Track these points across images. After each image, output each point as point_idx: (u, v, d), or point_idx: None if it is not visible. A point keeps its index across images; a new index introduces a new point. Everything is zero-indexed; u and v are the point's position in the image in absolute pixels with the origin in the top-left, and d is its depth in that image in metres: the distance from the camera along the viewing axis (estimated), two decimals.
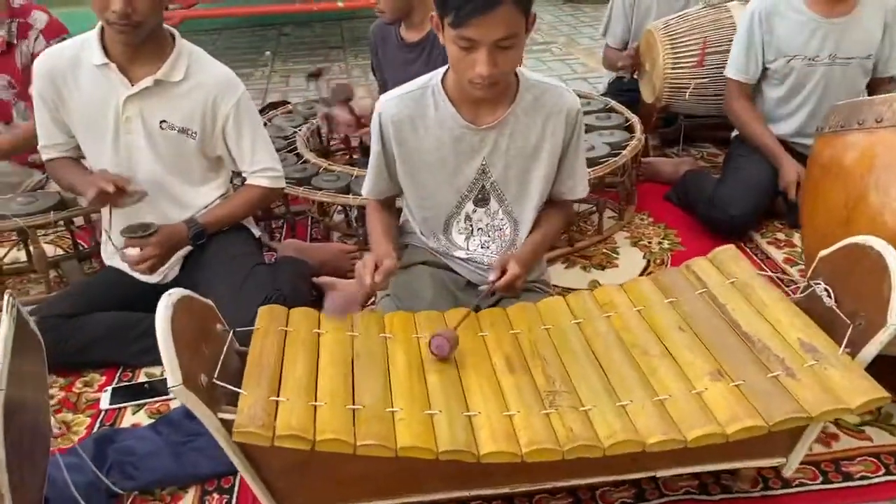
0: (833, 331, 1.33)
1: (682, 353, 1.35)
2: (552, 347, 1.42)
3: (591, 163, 2.31)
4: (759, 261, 2.25)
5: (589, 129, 2.59)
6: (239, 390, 1.19)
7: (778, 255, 2.28)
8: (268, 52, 5.02)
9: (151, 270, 1.81)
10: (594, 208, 2.45)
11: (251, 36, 5.64)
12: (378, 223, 1.71)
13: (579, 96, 2.90)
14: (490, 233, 1.70)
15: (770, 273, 1.50)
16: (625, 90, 3.07)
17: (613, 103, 2.78)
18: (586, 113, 2.69)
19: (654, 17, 2.92)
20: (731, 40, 2.55)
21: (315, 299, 2.11)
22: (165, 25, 1.83)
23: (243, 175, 1.98)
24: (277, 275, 1.92)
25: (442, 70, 1.59)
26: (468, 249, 1.71)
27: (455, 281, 1.75)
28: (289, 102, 3.23)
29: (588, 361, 1.37)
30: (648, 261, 2.28)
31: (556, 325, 1.48)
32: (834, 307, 1.35)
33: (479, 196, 1.65)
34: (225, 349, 1.28)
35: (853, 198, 1.52)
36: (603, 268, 2.25)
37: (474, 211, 1.67)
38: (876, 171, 1.48)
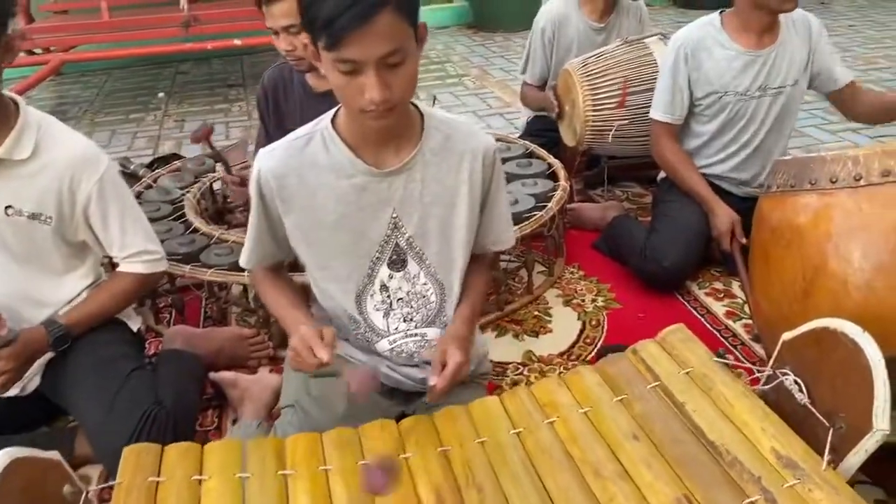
0: (808, 433, 1.15)
1: (640, 471, 1.14)
2: (489, 470, 1.19)
3: (517, 219, 2.10)
4: (698, 316, 2.10)
5: (510, 178, 2.40)
6: None
7: (718, 308, 2.13)
8: (161, 94, 4.66)
9: (4, 387, 1.49)
10: (522, 265, 2.25)
11: (144, 75, 5.26)
12: (279, 293, 1.44)
13: (497, 139, 2.77)
14: (412, 302, 1.44)
15: (728, 361, 1.31)
16: (545, 130, 2.90)
17: (533, 147, 2.60)
18: (506, 160, 2.50)
19: (575, 53, 2.77)
20: (653, 78, 2.43)
21: (212, 398, 1.82)
22: (6, 93, 1.52)
23: (115, 261, 1.68)
24: (159, 380, 1.62)
25: (331, 112, 1.36)
26: (388, 331, 1.46)
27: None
28: (180, 156, 2.93)
29: (533, 489, 1.14)
30: (584, 322, 2.09)
31: (492, 437, 1.25)
32: (808, 405, 1.18)
33: (394, 257, 1.39)
34: None
35: (811, 268, 1.36)
36: (536, 334, 2.05)
37: (391, 277, 1.41)
38: (834, 238, 1.33)
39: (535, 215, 2.13)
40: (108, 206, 1.60)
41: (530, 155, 2.58)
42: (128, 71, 5.36)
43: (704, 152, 2.31)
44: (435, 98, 3.18)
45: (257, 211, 1.40)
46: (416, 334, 1.47)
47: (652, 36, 2.56)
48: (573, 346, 1.99)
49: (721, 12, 2.22)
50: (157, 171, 2.62)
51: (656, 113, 2.28)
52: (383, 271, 1.41)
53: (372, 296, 1.43)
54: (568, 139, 2.67)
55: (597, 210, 2.60)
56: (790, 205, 1.42)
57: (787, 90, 2.19)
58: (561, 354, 1.96)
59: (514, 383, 1.85)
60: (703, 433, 1.18)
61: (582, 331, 2.06)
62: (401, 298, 1.44)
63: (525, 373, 1.89)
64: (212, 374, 1.81)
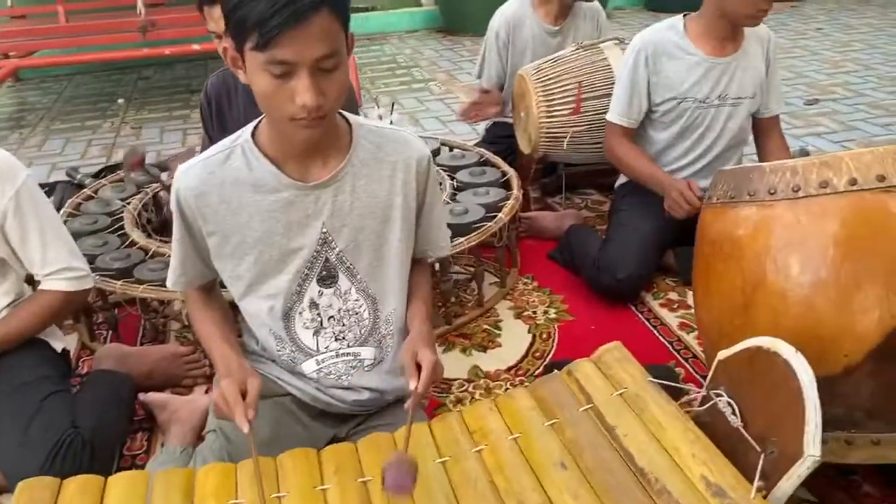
0: (740, 457, 1.10)
1: (566, 501, 1.08)
2: (409, 502, 1.12)
3: (465, 229, 2.06)
4: (651, 328, 2.05)
5: (462, 187, 2.35)
6: None
7: (672, 319, 2.08)
8: (121, 100, 4.56)
9: None
10: (471, 277, 2.20)
11: (106, 81, 5.15)
12: (209, 322, 1.38)
13: (453, 147, 2.72)
14: (344, 320, 1.38)
15: (664, 381, 1.26)
16: (503, 136, 2.85)
17: (489, 155, 2.54)
18: (459, 168, 2.45)
19: (530, 57, 2.72)
20: (607, 84, 2.38)
21: (143, 420, 1.75)
22: None
23: (36, 279, 1.60)
24: (79, 404, 1.55)
25: (251, 125, 1.29)
26: (318, 350, 1.39)
27: (305, 407, 1.44)
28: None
29: None
30: (534, 336, 2.03)
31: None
32: (740, 428, 1.13)
33: (324, 273, 1.33)
34: None
35: (750, 282, 1.31)
36: (485, 349, 1.99)
37: (321, 294, 1.35)
38: (773, 252, 1.28)
39: (484, 226, 2.07)
40: (27, 222, 1.52)
41: (485, 163, 2.52)
42: (90, 76, 5.25)
43: (661, 160, 2.26)
44: (394, 104, 3.12)
45: (180, 232, 1.34)
46: (348, 354, 1.41)
47: (608, 41, 2.51)
48: (522, 360, 1.93)
49: (684, 16, 2.17)
50: (99, 181, 2.53)
51: (612, 115, 2.22)
52: (312, 288, 1.35)
53: (301, 314, 1.37)
54: (523, 146, 2.61)
55: (553, 219, 2.54)
56: (730, 217, 1.37)
57: (745, 101, 2.14)
58: (509, 369, 1.90)
59: (458, 400, 1.79)
60: (632, 459, 1.13)
61: (532, 344, 2.00)
62: (332, 316, 1.38)
63: (470, 389, 1.83)
64: (141, 396, 1.73)
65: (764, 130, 2.25)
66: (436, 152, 2.61)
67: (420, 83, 4.69)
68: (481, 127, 3.25)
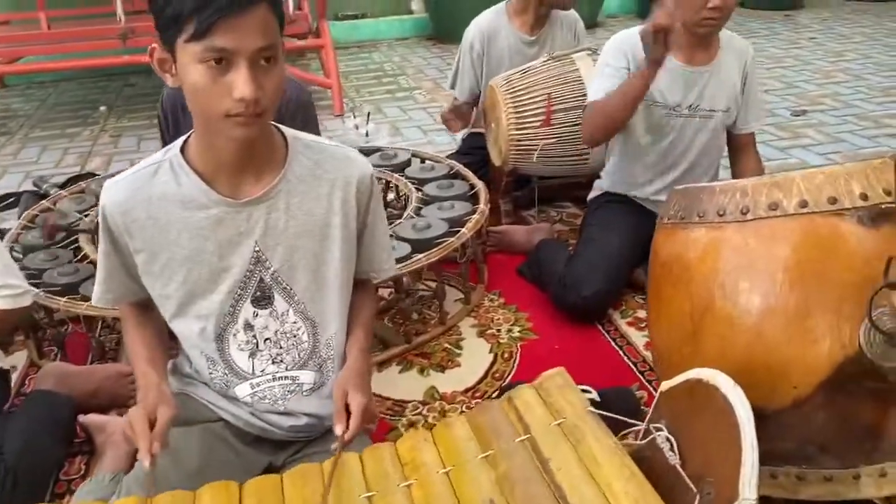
0: (677, 497, 1.04)
1: None
2: None
3: (426, 245, 2.00)
4: (616, 348, 1.98)
5: (428, 201, 2.29)
6: None
7: (639, 338, 2.02)
8: (103, 107, 4.51)
9: None
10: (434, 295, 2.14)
11: (91, 88, 5.11)
12: (140, 344, 1.32)
13: (423, 159, 2.67)
14: (282, 342, 1.32)
15: (605, 413, 1.20)
16: (478, 147, 2.79)
17: (459, 167, 2.48)
18: (427, 181, 2.39)
19: (507, 67, 2.66)
20: (579, 95, 2.33)
21: (83, 443, 1.69)
22: None
23: None
24: (8, 427, 1.49)
25: (181, 139, 1.25)
26: (253, 373, 1.33)
27: (238, 433, 1.37)
28: (94, 175, 2.78)
29: None
30: (495, 355, 1.97)
31: (340, 503, 1.13)
32: (677, 466, 1.06)
33: (259, 294, 1.28)
34: None
35: (699, 308, 1.24)
36: (443, 369, 1.93)
37: (256, 315, 1.29)
38: (721, 276, 1.22)
39: (445, 241, 2.01)
40: None
41: (454, 175, 2.46)
42: (75, 83, 5.22)
43: (632, 171, 2.20)
44: (370, 114, 3.06)
45: (107, 247, 1.28)
46: (285, 377, 1.35)
47: (580, 51, 2.45)
48: (480, 381, 1.87)
49: None
50: (60, 192, 2.48)
51: (592, 95, 2.06)
52: (247, 309, 1.30)
53: (235, 335, 1.31)
54: (494, 158, 2.56)
55: (523, 233, 2.48)
56: (680, 238, 1.31)
57: (717, 115, 2.08)
58: (466, 391, 1.83)
59: (411, 424, 1.73)
60: (563, 495, 1.06)
61: (492, 365, 1.93)
62: (268, 338, 1.33)
63: (424, 412, 1.76)
64: (81, 418, 1.67)
65: (739, 147, 2.20)
66: (406, 164, 2.56)
67: (405, 91, 4.64)
68: (459, 136, 3.19)
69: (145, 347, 1.32)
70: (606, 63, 2.07)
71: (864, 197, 1.15)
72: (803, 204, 1.16)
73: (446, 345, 2.02)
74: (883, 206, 1.14)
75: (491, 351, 1.99)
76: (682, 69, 2.03)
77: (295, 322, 1.32)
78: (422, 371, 1.92)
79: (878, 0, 6.59)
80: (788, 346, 1.16)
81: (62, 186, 2.79)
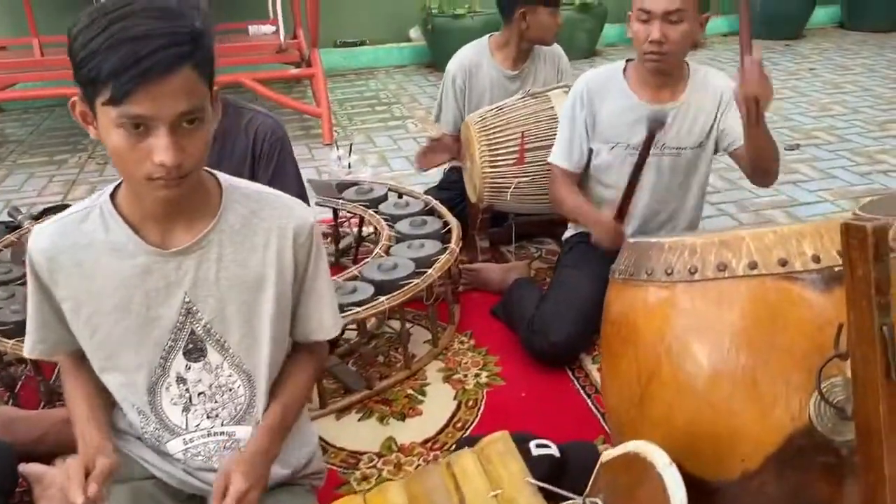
0: None
1: None
2: None
3: (390, 286, 1.94)
4: (585, 396, 1.91)
5: (400, 238, 2.24)
6: None
7: None
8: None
9: None
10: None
11: None
12: (80, 399, 1.27)
13: (400, 194, 2.62)
14: (217, 396, 1.26)
15: (543, 485, 1.13)
16: (457, 181, 2.75)
17: (434, 204, 2.43)
18: (401, 218, 2.34)
19: (489, 101, 2.63)
20: (553, 133, 2.27)
21: (24, 493, 1.63)
22: None
23: None
24: None
25: (111, 186, 1.20)
26: (186, 429, 1.27)
27: (171, 492, 1.31)
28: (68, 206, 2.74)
29: None
30: (460, 403, 1.91)
31: None
32: None
33: (191, 346, 1.23)
34: None
35: (646, 371, 1.18)
36: (404, 417, 1.86)
37: (188, 368, 1.24)
38: (668, 339, 1.16)
39: (410, 283, 1.96)
40: None
41: (430, 212, 2.41)
42: (68, 108, 5.21)
43: (601, 210, 2.14)
44: (351, 146, 3.03)
45: (37, 296, 1.23)
46: (221, 433, 1.30)
47: (556, 88, 2.42)
48: (441, 431, 1.81)
49: (628, 60, 2.07)
50: (25, 227, 2.44)
51: (554, 157, 2.13)
52: (179, 361, 1.24)
53: (168, 388, 1.26)
54: (470, 194, 2.51)
55: (499, 272, 2.42)
56: (629, 296, 1.25)
57: (686, 152, 2.03)
58: (425, 442, 1.77)
59: (365, 478, 1.66)
60: None
61: (455, 413, 1.87)
62: (202, 392, 1.27)
63: (379, 465, 1.70)
64: (22, 466, 1.61)
65: (742, 156, 2.11)
66: (382, 199, 2.51)
67: (398, 120, 4.61)
68: (442, 168, 3.15)
69: (85, 403, 1.27)
70: (565, 113, 2.09)
71: (817, 259, 1.10)
72: (753, 265, 1.11)
73: (409, 391, 1.95)
74: (836, 269, 1.08)
75: (455, 398, 1.93)
76: (646, 106, 1.99)
77: (230, 375, 1.27)
78: (382, 419, 1.85)
79: (879, 31, 6.55)
80: (736, 416, 1.09)
81: (37, 218, 2.76)
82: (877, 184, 3.25)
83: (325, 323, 1.34)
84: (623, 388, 1.23)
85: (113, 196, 1.20)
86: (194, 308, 1.21)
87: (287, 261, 1.24)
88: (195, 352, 1.24)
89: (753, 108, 1.62)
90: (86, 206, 1.21)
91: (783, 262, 1.09)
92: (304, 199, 1.95)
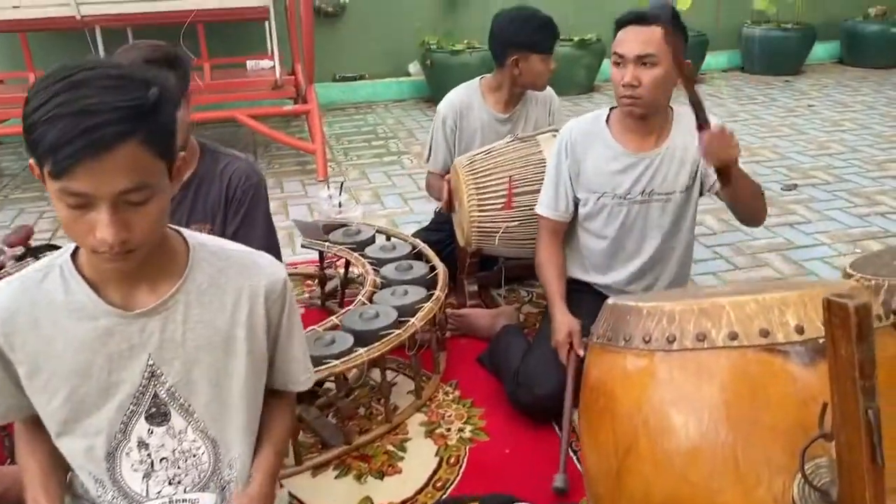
0: None
1: None
2: None
3: (370, 337, 1.89)
4: (571, 454, 1.84)
5: (385, 284, 2.19)
6: None
7: None
8: None
9: None
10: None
11: None
12: (34, 467, 1.23)
13: (389, 236, 2.58)
14: (180, 462, 1.21)
15: None
16: (447, 222, 2.70)
17: (422, 247, 2.38)
18: (387, 262, 2.30)
19: (480, 143, 2.60)
20: (542, 178, 2.24)
21: None
22: None
23: None
24: None
25: (72, 245, 1.16)
26: (147, 496, 1.21)
27: None
28: (56, 247, 2.71)
29: None
30: (441, 459, 1.84)
31: None
32: None
33: (153, 410, 1.18)
34: None
35: (623, 443, 1.13)
36: (382, 475, 1.79)
37: (151, 433, 1.19)
38: (645, 411, 1.10)
39: (391, 333, 1.90)
40: None
41: (417, 256, 2.37)
42: None
43: (595, 262, 2.10)
44: (342, 185, 2.99)
45: None
46: (184, 500, 1.24)
47: (545, 132, 2.38)
48: (420, 491, 1.74)
49: (612, 108, 2.05)
50: (14, 265, 2.40)
51: (540, 207, 2.10)
52: (140, 426, 1.20)
53: (128, 454, 1.21)
54: (459, 237, 2.47)
55: (487, 317, 2.37)
56: (606, 363, 1.20)
57: (675, 196, 1.99)
58: (403, 503, 1.70)
59: None
60: None
61: (436, 471, 1.80)
62: (164, 458, 1.22)
63: None
64: None
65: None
66: (369, 241, 2.47)
67: (393, 156, 4.59)
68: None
69: (39, 468, 1.22)
70: (550, 163, 2.08)
71: (800, 330, 1.04)
72: (733, 336, 1.05)
73: (390, 446, 1.89)
74: (821, 341, 1.02)
75: (437, 454, 1.86)
76: (630, 155, 1.96)
77: (194, 441, 1.22)
78: (359, 477, 1.79)
79: (878, 67, 6.56)
80: (717, 496, 1.03)
81: (20, 258, 2.72)
82: (875, 226, 3.20)
83: (298, 376, 1.32)
84: (601, 459, 1.17)
85: (74, 255, 1.16)
86: (158, 371, 1.17)
87: (258, 320, 1.21)
88: (158, 416, 1.19)
89: (723, 169, 1.64)
90: (45, 265, 1.17)
91: (765, 333, 1.04)
92: (274, 248, 1.92)
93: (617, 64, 1.87)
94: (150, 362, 1.16)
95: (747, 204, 1.86)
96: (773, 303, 1.06)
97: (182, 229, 1.22)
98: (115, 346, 1.14)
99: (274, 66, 4.38)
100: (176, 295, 1.15)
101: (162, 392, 1.18)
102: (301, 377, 1.33)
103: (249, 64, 5.02)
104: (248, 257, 1.25)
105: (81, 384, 1.16)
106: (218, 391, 1.20)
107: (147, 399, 1.18)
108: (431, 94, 5.95)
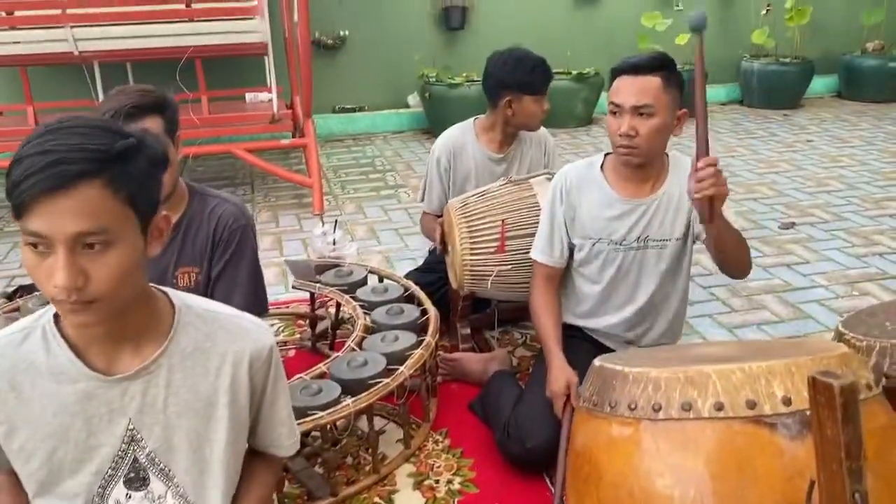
0: None
1: None
2: None
3: (358, 386, 1.86)
4: None
5: (375, 329, 2.16)
6: None
7: None
8: None
9: None
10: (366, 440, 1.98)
11: None
12: None
13: (381, 277, 2.56)
14: None
15: None
16: (440, 262, 2.68)
17: (414, 290, 2.36)
18: (378, 305, 2.27)
19: (474, 183, 2.59)
20: (535, 221, 2.22)
21: None
22: None
23: None
24: None
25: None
26: None
27: None
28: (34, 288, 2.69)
29: None
30: None
31: None
32: None
33: (132, 474, 1.15)
34: None
35: None
36: None
37: (129, 497, 1.16)
38: (630, 482, 1.07)
39: (379, 382, 1.87)
40: None
41: (408, 299, 2.34)
42: None
43: (590, 309, 2.08)
44: (337, 221, 2.98)
45: None
46: None
47: (539, 175, 2.37)
48: None
49: (606, 154, 2.04)
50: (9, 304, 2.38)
51: (535, 253, 2.08)
52: (118, 490, 1.17)
53: None
54: (451, 280, 2.44)
55: (478, 362, 2.34)
56: (592, 429, 1.17)
57: (670, 244, 1.97)
58: None
59: None
60: None
61: None
62: None
63: None
64: None
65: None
66: (361, 283, 2.44)
67: (391, 189, 4.59)
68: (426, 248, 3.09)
69: None
70: (545, 208, 2.05)
71: (787, 401, 1.02)
72: (719, 406, 1.03)
73: (377, 498, 1.85)
74: (808, 413, 0.99)
75: None
76: (625, 202, 1.95)
77: None
78: None
79: (877, 101, 6.58)
80: None
81: (10, 297, 2.71)
82: (872, 267, 3.17)
83: (283, 440, 1.29)
84: None
85: (57, 316, 1.14)
86: (138, 435, 1.14)
87: (241, 387, 1.18)
88: (137, 481, 1.17)
89: (707, 206, 1.58)
90: (27, 325, 1.15)
91: (752, 405, 1.02)
92: (258, 293, 1.90)
93: (613, 113, 1.86)
94: (131, 427, 1.14)
95: (731, 253, 1.83)
96: (759, 372, 1.03)
97: (169, 290, 1.20)
98: (94, 410, 1.12)
99: (272, 100, 4.40)
100: (159, 359, 1.12)
101: (142, 456, 1.16)
102: (286, 442, 1.29)
103: (248, 96, 5.05)
104: (233, 321, 1.22)
105: (59, 447, 1.13)
106: (198, 456, 1.18)
107: (126, 463, 1.15)
108: (430, 126, 5.98)
